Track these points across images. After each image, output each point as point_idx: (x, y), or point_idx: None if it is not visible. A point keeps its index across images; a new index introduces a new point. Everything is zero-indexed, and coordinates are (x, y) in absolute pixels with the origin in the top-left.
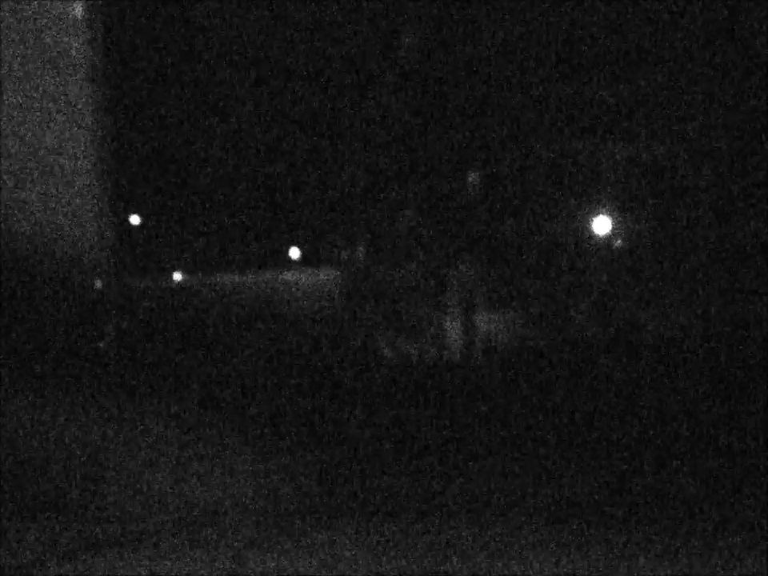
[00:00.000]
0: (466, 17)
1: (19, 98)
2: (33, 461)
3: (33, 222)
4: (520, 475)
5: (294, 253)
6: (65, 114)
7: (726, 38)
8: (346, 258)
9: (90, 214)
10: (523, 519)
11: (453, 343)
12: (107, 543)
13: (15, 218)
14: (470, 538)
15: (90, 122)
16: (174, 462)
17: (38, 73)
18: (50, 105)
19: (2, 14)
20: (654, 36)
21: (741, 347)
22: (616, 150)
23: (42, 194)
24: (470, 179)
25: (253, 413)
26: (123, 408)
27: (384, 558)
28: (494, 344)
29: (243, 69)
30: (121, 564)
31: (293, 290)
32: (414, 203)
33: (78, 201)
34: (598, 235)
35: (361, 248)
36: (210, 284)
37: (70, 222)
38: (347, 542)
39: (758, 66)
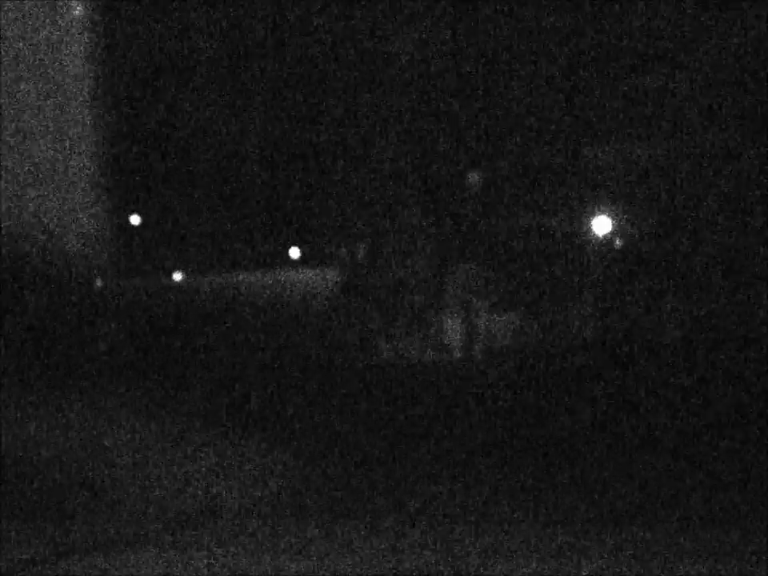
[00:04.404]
0: (466, 17)
1: (19, 98)
2: (33, 461)
3: (33, 222)
4: (519, 475)
5: (294, 253)
6: (65, 114)
7: (726, 38)
8: (346, 257)
9: (90, 214)
10: (522, 519)
11: (453, 343)
12: (107, 543)
13: (15, 219)
14: (469, 538)
15: (89, 122)
16: (174, 462)
17: (38, 73)
18: (50, 105)
19: (2, 13)
20: (655, 37)
21: (742, 347)
22: (616, 150)
23: (42, 195)
24: (470, 179)
25: (253, 412)
26: (123, 408)
27: (384, 558)
28: (494, 344)
29: (243, 69)
30: (121, 564)
31: (293, 289)
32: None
33: (77, 201)
34: (598, 235)
35: (361, 247)
36: (210, 284)
37: (70, 222)
38: (347, 541)
39: (759, 67)
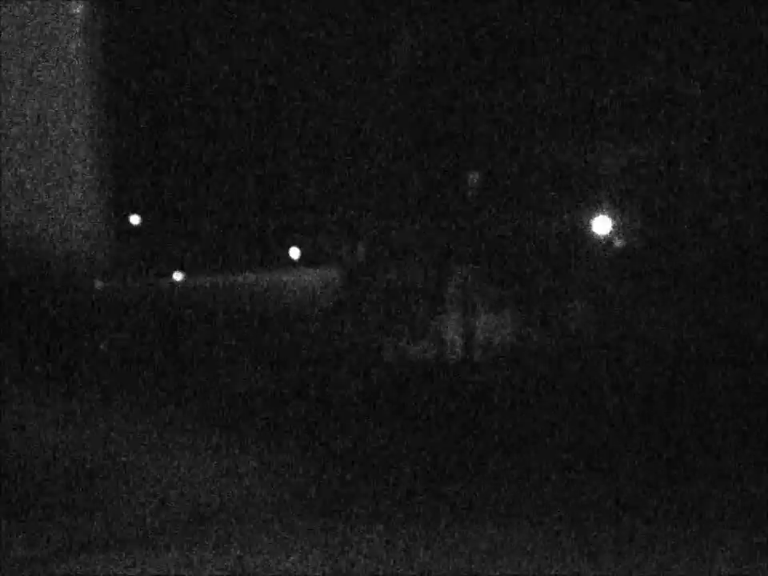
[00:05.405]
0: (464, 16)
1: (19, 98)
2: (32, 461)
3: (32, 222)
4: (519, 475)
5: (294, 253)
6: (64, 113)
7: (725, 36)
8: (346, 258)
9: (90, 214)
10: (522, 520)
11: (453, 343)
12: (107, 543)
13: (14, 219)
14: (469, 539)
15: (89, 122)
16: (174, 462)
17: (38, 73)
18: (50, 105)
19: (2, 13)
20: (654, 35)
21: (741, 348)
22: (615, 150)
23: (41, 194)
24: (469, 180)
25: (253, 413)
26: (122, 408)
27: (384, 558)
28: (493, 345)
29: (244, 69)
30: (121, 564)
31: (293, 289)
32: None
33: (77, 201)
34: (598, 235)
35: (361, 248)
36: (210, 284)
37: (69, 222)
38: (348, 541)
39: (759, 65)
